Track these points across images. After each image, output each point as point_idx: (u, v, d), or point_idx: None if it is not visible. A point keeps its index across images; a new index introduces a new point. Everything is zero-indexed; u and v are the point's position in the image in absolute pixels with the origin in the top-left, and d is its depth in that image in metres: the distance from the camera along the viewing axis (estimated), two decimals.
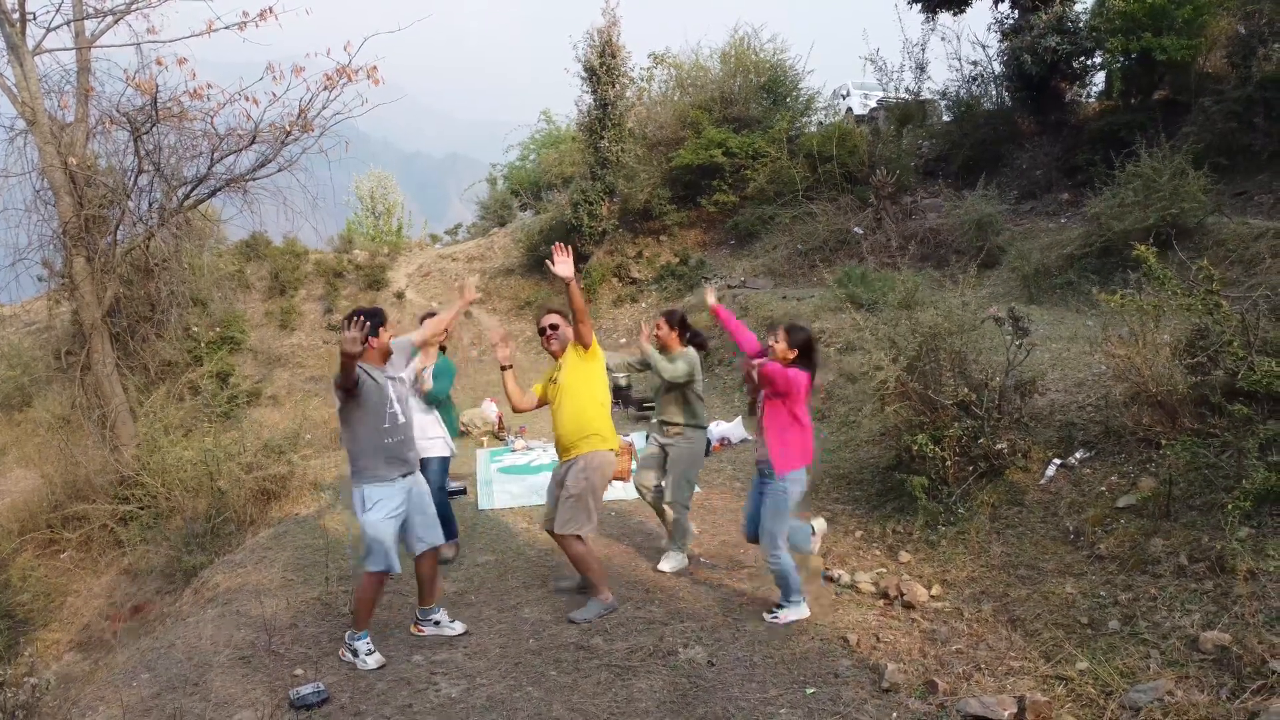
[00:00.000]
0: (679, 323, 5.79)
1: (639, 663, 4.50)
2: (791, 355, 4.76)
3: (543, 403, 5.30)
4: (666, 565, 5.81)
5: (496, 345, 5.40)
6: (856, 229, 13.84)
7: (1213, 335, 5.06)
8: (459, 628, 4.99)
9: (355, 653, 4.65)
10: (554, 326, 5.25)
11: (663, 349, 5.77)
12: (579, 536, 5.09)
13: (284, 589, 5.77)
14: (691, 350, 5.80)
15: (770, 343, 4.83)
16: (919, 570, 5.45)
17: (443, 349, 6.25)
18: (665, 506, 5.85)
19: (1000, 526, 5.52)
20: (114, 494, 8.64)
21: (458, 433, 6.65)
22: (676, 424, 5.74)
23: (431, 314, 6.19)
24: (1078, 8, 14.00)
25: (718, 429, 8.68)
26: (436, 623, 4.98)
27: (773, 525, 4.81)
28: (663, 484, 5.83)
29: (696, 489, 7.18)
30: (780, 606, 4.95)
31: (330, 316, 16.99)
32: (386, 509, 4.56)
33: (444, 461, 6.06)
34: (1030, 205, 13.48)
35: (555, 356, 5.27)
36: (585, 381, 5.10)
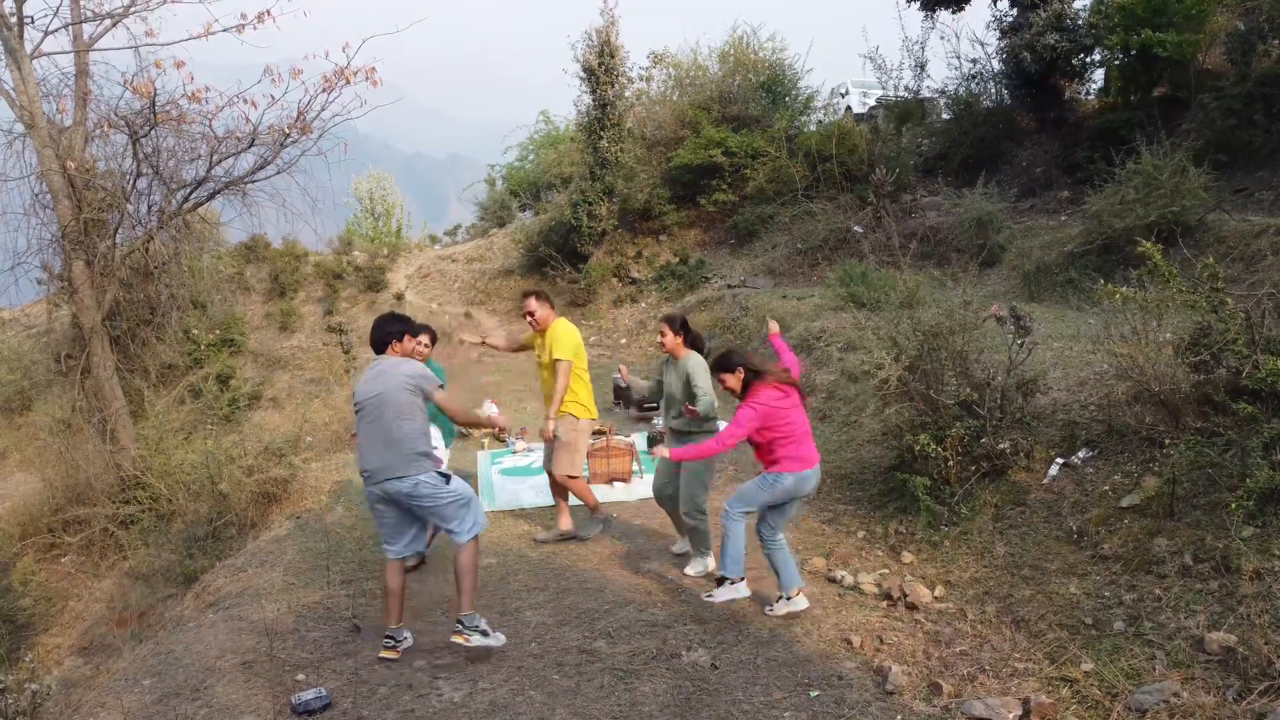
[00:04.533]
0: (682, 327, 5.75)
1: (642, 666, 4.48)
2: (740, 378, 4.90)
3: (524, 347, 6.60)
4: (692, 570, 5.76)
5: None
6: (856, 228, 13.83)
7: (1216, 333, 5.04)
8: (410, 639, 4.86)
9: (485, 632, 4.57)
10: (530, 312, 6.20)
11: (670, 355, 5.74)
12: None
13: (285, 593, 5.75)
14: (697, 356, 5.72)
15: (721, 382, 5.04)
16: (922, 571, 5.43)
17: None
18: (684, 517, 5.80)
19: (1003, 526, 5.50)
20: (115, 497, 8.63)
21: (454, 434, 6.72)
22: (688, 431, 5.68)
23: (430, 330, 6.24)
24: (1077, 5, 14.00)
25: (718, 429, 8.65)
26: (406, 638, 4.82)
27: (744, 493, 4.92)
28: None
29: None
30: (720, 582, 5.02)
31: (330, 318, 16.98)
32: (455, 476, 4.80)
33: None
34: (1030, 203, 13.46)
35: (537, 331, 6.29)
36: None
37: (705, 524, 5.70)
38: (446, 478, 4.66)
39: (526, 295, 6.29)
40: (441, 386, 4.78)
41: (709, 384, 5.57)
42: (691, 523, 5.70)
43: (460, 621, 4.56)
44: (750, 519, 5.00)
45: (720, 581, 5.01)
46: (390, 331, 4.78)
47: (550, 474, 6.51)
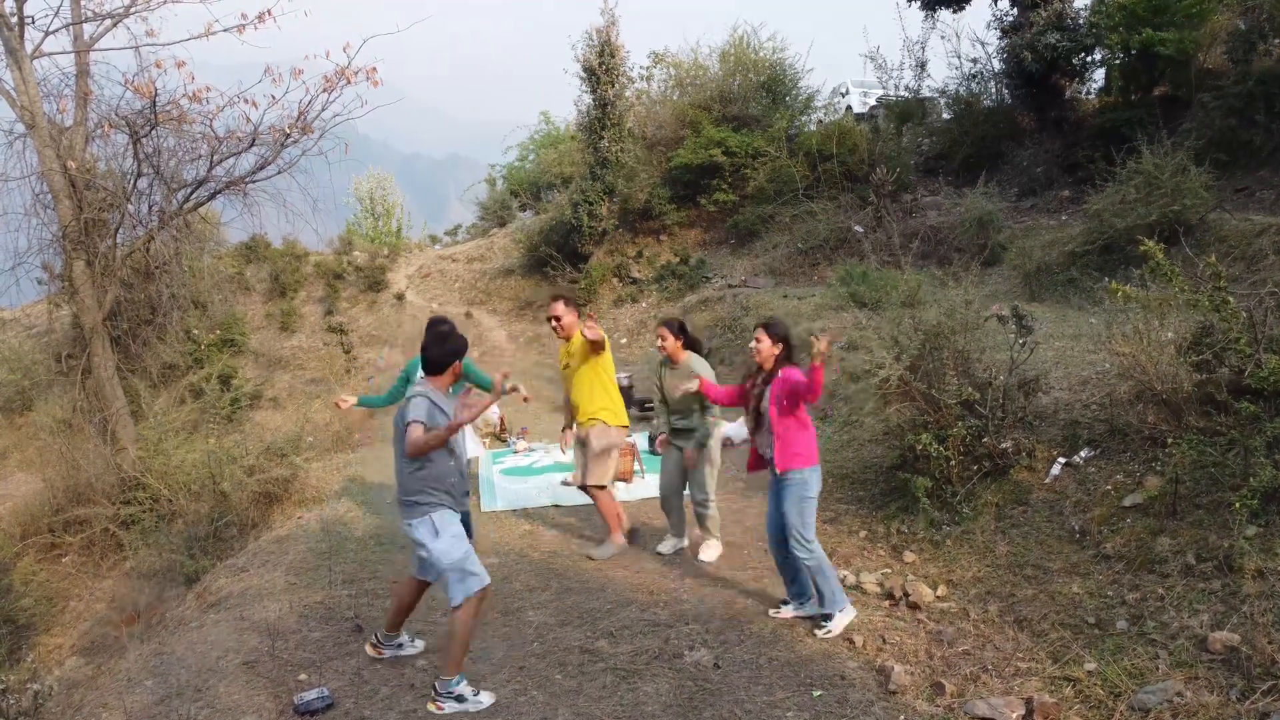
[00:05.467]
0: (680, 330, 5.83)
1: (644, 666, 4.48)
2: (777, 351, 4.81)
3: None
4: (705, 555, 5.94)
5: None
6: (857, 227, 13.82)
7: (1218, 332, 5.04)
8: (420, 646, 4.81)
9: (461, 698, 4.13)
10: (556, 317, 5.91)
11: (670, 358, 5.83)
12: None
13: (287, 593, 5.75)
14: (699, 357, 5.83)
15: (753, 345, 4.87)
16: (924, 570, 5.43)
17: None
18: (692, 509, 5.99)
19: (1005, 526, 5.50)
20: (116, 497, 8.62)
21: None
22: (689, 429, 5.80)
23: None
24: (1077, 4, 13.99)
25: (720, 430, 8.65)
26: (399, 645, 4.78)
27: (797, 519, 4.69)
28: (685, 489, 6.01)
29: None
30: (827, 618, 4.74)
31: (330, 318, 16.97)
32: (455, 530, 4.27)
33: None
34: (1031, 202, 13.46)
35: (562, 338, 6.02)
36: (595, 367, 5.95)
37: (714, 509, 5.93)
38: (437, 532, 4.18)
39: (555, 299, 5.97)
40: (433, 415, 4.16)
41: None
42: (703, 511, 5.90)
43: (434, 686, 4.21)
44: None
45: (827, 617, 4.78)
46: (447, 357, 4.25)
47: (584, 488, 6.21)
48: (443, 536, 4.19)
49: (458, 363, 4.31)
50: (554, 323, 5.96)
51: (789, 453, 4.71)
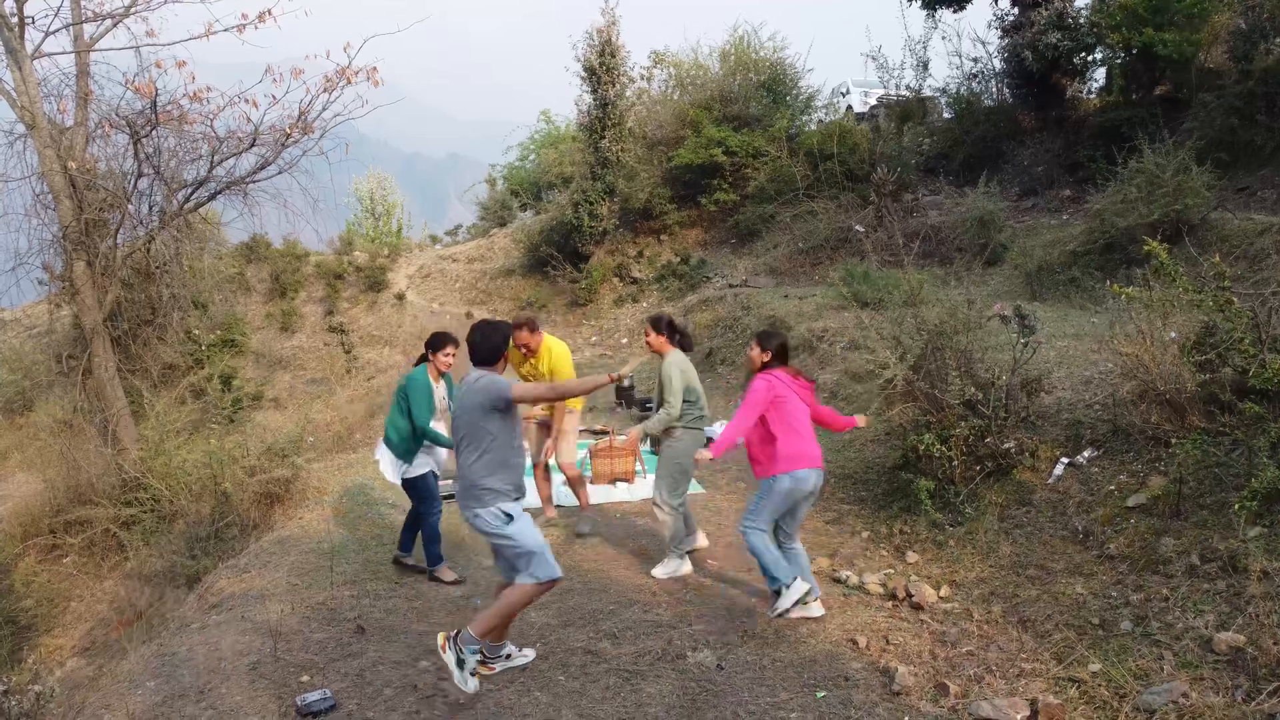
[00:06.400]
0: (666, 327, 5.75)
1: (647, 667, 4.47)
2: (766, 359, 4.99)
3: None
4: (659, 571, 5.74)
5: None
6: (858, 227, 13.81)
7: (1221, 332, 5.03)
8: (530, 655, 4.62)
9: (462, 663, 4.06)
10: (525, 344, 6.23)
11: (657, 355, 5.78)
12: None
13: (289, 594, 5.74)
14: (676, 354, 5.70)
15: (748, 353, 5.18)
16: (927, 571, 5.42)
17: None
18: (654, 507, 5.82)
19: (1009, 526, 5.50)
20: (117, 497, 8.61)
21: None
22: (673, 427, 5.71)
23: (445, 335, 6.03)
24: (1078, 3, 14.00)
25: (720, 429, 8.64)
26: (508, 656, 4.58)
27: (751, 508, 4.97)
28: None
29: (698, 489, 7.17)
30: (778, 594, 4.88)
31: (331, 318, 16.97)
32: (527, 521, 4.27)
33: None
34: (1032, 202, 13.46)
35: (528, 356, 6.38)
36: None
37: (676, 520, 5.66)
38: (510, 517, 4.18)
39: (518, 327, 6.15)
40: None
41: (679, 387, 5.54)
42: (660, 515, 5.68)
43: (454, 637, 4.12)
44: (768, 529, 4.95)
45: (776, 593, 4.87)
46: (498, 347, 4.33)
47: (536, 466, 6.68)
48: (517, 522, 4.21)
49: (506, 351, 4.41)
50: (523, 349, 6.28)
51: (755, 463, 5.03)
